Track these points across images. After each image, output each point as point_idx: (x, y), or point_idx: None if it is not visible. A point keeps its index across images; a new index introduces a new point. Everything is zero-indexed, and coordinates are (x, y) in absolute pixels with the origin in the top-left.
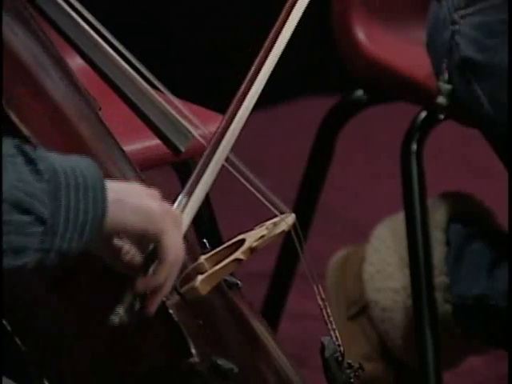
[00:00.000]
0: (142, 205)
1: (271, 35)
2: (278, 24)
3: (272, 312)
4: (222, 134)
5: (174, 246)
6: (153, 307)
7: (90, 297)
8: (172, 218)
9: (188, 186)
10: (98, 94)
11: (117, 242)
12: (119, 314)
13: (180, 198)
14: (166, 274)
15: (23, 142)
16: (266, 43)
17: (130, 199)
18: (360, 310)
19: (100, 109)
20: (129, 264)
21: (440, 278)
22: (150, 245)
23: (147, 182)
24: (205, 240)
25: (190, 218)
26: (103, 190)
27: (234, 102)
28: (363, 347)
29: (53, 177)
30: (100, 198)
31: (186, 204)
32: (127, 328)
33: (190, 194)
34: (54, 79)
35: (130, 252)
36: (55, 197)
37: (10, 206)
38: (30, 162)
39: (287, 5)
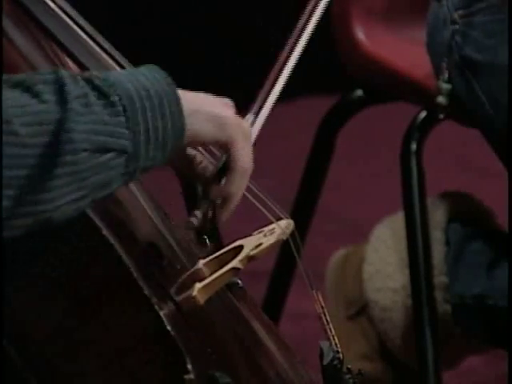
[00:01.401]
0: (216, 113)
1: (294, 35)
2: (300, 25)
3: (271, 312)
4: (282, 65)
5: (245, 155)
6: (224, 216)
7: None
8: (243, 129)
9: (255, 106)
10: None
11: (190, 151)
12: (197, 217)
13: (248, 116)
14: (237, 183)
15: None
16: (290, 41)
17: (205, 108)
18: (359, 309)
19: None
20: (201, 173)
21: (439, 278)
22: (223, 155)
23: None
24: (205, 236)
25: (255, 135)
26: (179, 105)
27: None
28: (363, 347)
29: (128, 104)
30: (177, 114)
31: (253, 121)
32: (120, 341)
33: (257, 113)
34: None
35: (204, 162)
36: (133, 124)
37: (90, 153)
38: (103, 96)
39: (308, 7)
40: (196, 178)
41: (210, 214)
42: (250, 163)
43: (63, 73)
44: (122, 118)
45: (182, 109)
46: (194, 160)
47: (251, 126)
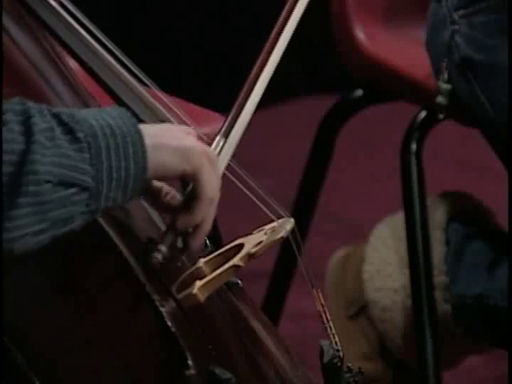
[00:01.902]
0: (179, 145)
1: (273, 35)
2: (279, 23)
3: (271, 312)
4: (255, 80)
5: (212, 183)
6: (195, 245)
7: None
8: (208, 156)
9: (224, 127)
10: (96, 92)
11: (156, 183)
12: (161, 251)
13: (217, 139)
14: (205, 212)
15: None
16: (268, 43)
17: (168, 141)
18: (359, 309)
19: (99, 107)
20: (169, 204)
21: (440, 278)
22: (190, 184)
23: None
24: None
25: (226, 159)
26: (142, 142)
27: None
28: (363, 347)
29: (93, 142)
30: (140, 153)
31: (223, 145)
32: (121, 338)
33: (226, 135)
34: (51, 81)
35: (170, 192)
36: (97, 162)
37: (53, 186)
38: (69, 131)
39: (288, 4)
40: (163, 209)
41: (179, 244)
42: (217, 190)
43: (31, 105)
44: (87, 155)
45: (146, 149)
46: (160, 191)
47: (221, 149)
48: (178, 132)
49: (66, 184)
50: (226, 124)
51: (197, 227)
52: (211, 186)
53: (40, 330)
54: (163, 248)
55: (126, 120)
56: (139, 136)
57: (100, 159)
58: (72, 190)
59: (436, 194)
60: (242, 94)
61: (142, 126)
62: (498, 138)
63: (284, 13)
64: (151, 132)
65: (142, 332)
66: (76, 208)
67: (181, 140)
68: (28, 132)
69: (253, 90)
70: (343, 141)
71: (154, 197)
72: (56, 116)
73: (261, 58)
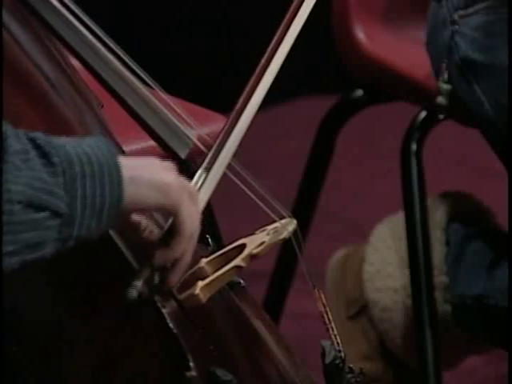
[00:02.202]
0: (157, 179)
1: (277, 36)
2: (284, 24)
3: (272, 312)
4: (239, 113)
5: (191, 219)
6: (173, 281)
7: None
8: (187, 191)
9: (206, 161)
10: (99, 91)
11: (135, 217)
12: (137, 287)
13: (198, 173)
14: (184, 247)
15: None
16: (272, 44)
17: (146, 174)
18: (360, 309)
19: (102, 106)
20: (147, 239)
21: (440, 278)
22: (169, 219)
23: None
24: (207, 235)
25: (208, 194)
26: (119, 173)
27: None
28: (363, 347)
29: (68, 168)
30: (116, 182)
31: (204, 179)
32: (122, 339)
33: (208, 169)
34: (54, 81)
35: (148, 227)
36: (71, 188)
37: (25, 207)
38: (44, 155)
39: (293, 5)
40: (142, 244)
41: (156, 279)
42: (196, 226)
43: (7, 128)
44: (61, 180)
45: (122, 179)
46: (139, 226)
47: (202, 184)
48: (157, 166)
49: (37, 207)
50: (209, 157)
51: (175, 263)
52: (191, 221)
53: (39, 331)
54: (139, 284)
55: (105, 150)
56: (116, 166)
57: (74, 186)
58: (44, 214)
59: (436, 194)
60: (226, 128)
61: (120, 158)
62: (498, 138)
63: (288, 15)
64: (130, 164)
65: (143, 332)
66: (48, 233)
67: (159, 175)
68: (1, 153)
69: (242, 115)
70: (343, 141)
71: (133, 230)
72: (32, 140)
73: (258, 70)
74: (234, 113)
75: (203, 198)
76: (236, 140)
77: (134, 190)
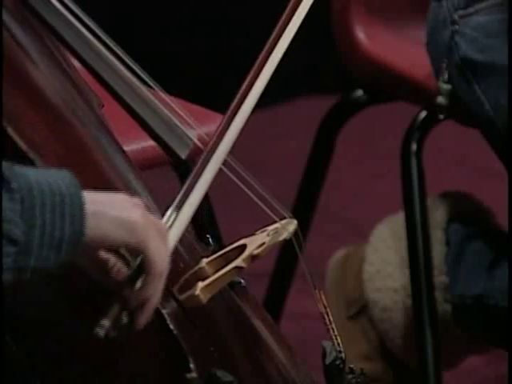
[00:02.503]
0: (123, 216)
1: (274, 35)
2: (280, 23)
3: (272, 312)
4: (213, 148)
5: (160, 257)
6: (142, 320)
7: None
8: (156, 229)
9: (177, 200)
10: (99, 91)
11: (103, 254)
12: (104, 327)
13: (169, 212)
14: (153, 287)
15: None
16: (268, 43)
17: (111, 211)
18: (360, 309)
19: (102, 106)
20: (115, 277)
21: (440, 278)
22: (138, 257)
23: (146, 186)
24: (208, 235)
25: (178, 233)
26: (81, 206)
27: (232, 108)
28: (363, 347)
29: (27, 195)
30: (78, 215)
31: (174, 219)
32: (121, 340)
33: (178, 208)
34: (52, 81)
35: (117, 265)
36: (29, 216)
37: None
38: (5, 181)
39: (290, 4)
40: (109, 282)
41: (124, 319)
42: (165, 264)
43: None
44: (18, 206)
45: (85, 212)
46: (107, 263)
47: (172, 223)
48: (124, 203)
49: None
50: (180, 195)
51: (144, 303)
52: (160, 260)
53: (39, 331)
54: (106, 323)
55: (69, 182)
56: (79, 199)
57: (33, 214)
58: None
59: (436, 194)
60: (198, 166)
61: (86, 192)
62: (498, 138)
63: (285, 16)
64: (96, 199)
65: (143, 333)
66: (3, 260)
67: (126, 211)
68: None
69: (207, 164)
70: (343, 141)
71: (100, 268)
72: None
73: (247, 81)
74: (204, 153)
75: (173, 237)
76: (209, 176)
77: (96, 226)
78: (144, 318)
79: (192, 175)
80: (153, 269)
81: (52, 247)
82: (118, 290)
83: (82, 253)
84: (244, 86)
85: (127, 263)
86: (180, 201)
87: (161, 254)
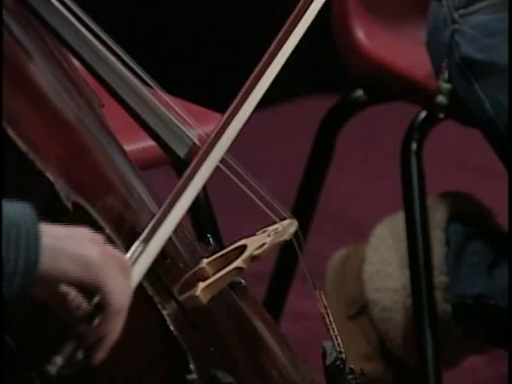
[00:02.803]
0: (79, 252)
1: (279, 37)
2: (287, 26)
3: (272, 312)
4: (188, 182)
5: (117, 295)
6: (98, 356)
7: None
8: (117, 265)
9: (146, 231)
10: (99, 90)
11: (63, 288)
12: (57, 364)
13: (135, 245)
14: (112, 324)
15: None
16: (274, 44)
17: (68, 246)
18: (360, 309)
19: (103, 105)
20: (74, 312)
21: (440, 278)
22: (96, 295)
23: (146, 186)
24: (208, 235)
25: (145, 266)
26: (37, 239)
27: (229, 112)
28: (363, 347)
29: None
30: (33, 248)
31: (141, 252)
32: (122, 340)
33: (146, 241)
34: (52, 81)
35: (76, 299)
36: None
37: None
38: None
39: (298, 7)
40: (67, 317)
41: (79, 355)
42: (126, 301)
43: None
44: None
45: (40, 246)
46: (66, 298)
47: (138, 257)
48: (83, 238)
49: None
50: (149, 228)
51: (100, 340)
52: (119, 297)
53: (39, 331)
54: (59, 360)
55: (27, 215)
56: (36, 232)
57: None
58: None
59: (436, 194)
60: (170, 199)
61: (44, 226)
62: (498, 138)
63: (292, 19)
64: (53, 233)
65: (143, 334)
66: None
67: (83, 247)
68: None
69: (184, 192)
70: (343, 141)
71: (58, 302)
72: None
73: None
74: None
75: (137, 272)
76: (180, 211)
77: (52, 260)
78: (101, 354)
79: (161, 210)
80: (110, 307)
81: (3, 279)
82: (76, 325)
83: (39, 286)
84: (241, 94)
85: (88, 298)
86: (149, 232)
87: (120, 292)
